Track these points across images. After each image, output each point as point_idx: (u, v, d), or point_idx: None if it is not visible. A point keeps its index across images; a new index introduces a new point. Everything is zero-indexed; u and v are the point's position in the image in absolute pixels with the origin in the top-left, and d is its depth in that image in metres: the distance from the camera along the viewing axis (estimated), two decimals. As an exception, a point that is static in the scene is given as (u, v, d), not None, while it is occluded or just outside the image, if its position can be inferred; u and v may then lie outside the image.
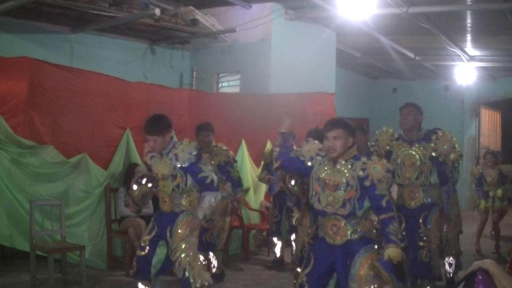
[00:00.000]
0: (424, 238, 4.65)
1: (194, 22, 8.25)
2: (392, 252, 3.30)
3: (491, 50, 10.55)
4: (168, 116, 4.35)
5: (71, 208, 5.95)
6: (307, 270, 3.58)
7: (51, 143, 5.79)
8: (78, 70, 6.34)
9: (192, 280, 4.12)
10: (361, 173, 3.42)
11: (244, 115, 7.46)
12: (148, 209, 6.27)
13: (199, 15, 8.26)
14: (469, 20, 8.55)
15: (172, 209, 4.26)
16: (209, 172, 4.22)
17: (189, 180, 4.23)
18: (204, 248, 5.66)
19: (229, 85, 9.65)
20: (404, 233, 4.60)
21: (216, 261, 5.85)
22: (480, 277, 2.63)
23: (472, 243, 8.13)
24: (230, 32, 8.73)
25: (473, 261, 3.01)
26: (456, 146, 4.74)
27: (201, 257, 4.80)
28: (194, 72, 9.65)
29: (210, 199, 4.19)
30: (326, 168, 3.53)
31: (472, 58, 10.80)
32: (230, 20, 8.86)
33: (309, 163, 3.66)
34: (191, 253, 4.19)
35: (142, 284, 4.30)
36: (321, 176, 3.54)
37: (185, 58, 9.98)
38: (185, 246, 4.17)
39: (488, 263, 2.66)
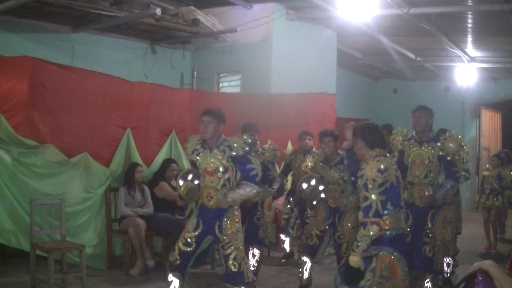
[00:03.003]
0: (430, 235, 4.85)
1: (195, 22, 8.25)
2: (351, 259, 3.61)
3: (492, 51, 10.55)
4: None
5: (73, 208, 5.95)
6: None
7: (51, 143, 5.79)
8: (79, 69, 6.34)
9: (246, 274, 4.23)
10: (360, 172, 3.73)
11: (244, 115, 7.47)
12: (148, 208, 6.28)
13: (200, 15, 8.26)
14: (469, 21, 8.56)
15: (218, 205, 4.29)
16: (257, 166, 4.30)
17: (238, 175, 4.32)
18: (255, 242, 5.89)
19: (229, 85, 9.66)
20: (408, 229, 4.71)
21: (257, 259, 6.00)
22: (480, 278, 2.63)
23: (472, 243, 8.17)
24: (231, 32, 8.73)
25: (472, 261, 3.03)
26: (463, 144, 4.98)
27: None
28: (195, 72, 9.65)
29: (250, 189, 4.23)
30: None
31: (472, 59, 10.79)
32: (231, 20, 8.86)
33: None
34: (242, 249, 4.32)
35: (174, 275, 4.39)
36: None
37: (186, 58, 9.99)
38: (238, 241, 4.29)
39: (488, 264, 2.66)
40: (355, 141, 3.86)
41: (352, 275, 3.56)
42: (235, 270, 4.22)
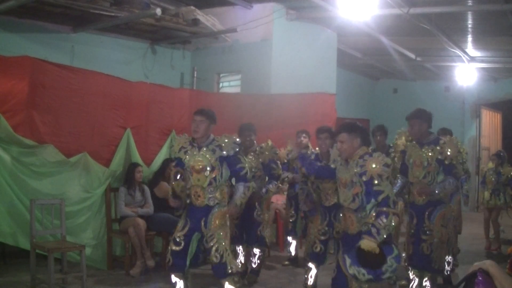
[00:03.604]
0: (427, 232, 4.89)
1: (195, 22, 8.25)
2: (364, 243, 3.58)
3: (492, 51, 10.56)
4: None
5: (72, 207, 5.94)
6: (337, 255, 4.03)
7: (51, 142, 5.79)
8: (79, 69, 6.34)
9: (228, 266, 4.37)
10: (358, 169, 3.75)
11: (244, 115, 7.47)
12: (148, 208, 6.28)
13: (200, 15, 8.26)
14: (470, 21, 8.56)
15: (206, 203, 4.43)
16: (245, 164, 4.51)
17: (224, 173, 4.47)
18: (255, 241, 5.80)
19: (229, 85, 9.66)
20: (413, 230, 4.94)
21: (259, 258, 5.91)
22: (480, 278, 2.64)
23: (472, 243, 8.17)
24: (231, 32, 8.73)
25: (472, 261, 3.04)
26: (461, 151, 5.00)
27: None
28: (195, 72, 9.65)
29: (244, 190, 4.52)
30: (341, 169, 3.99)
31: (472, 59, 10.80)
32: (231, 20, 8.86)
33: (333, 165, 4.22)
34: (226, 242, 4.43)
35: (176, 276, 4.49)
36: (338, 175, 4.03)
37: (186, 58, 9.99)
38: (222, 233, 4.42)
39: (488, 264, 2.66)
40: (350, 137, 3.85)
41: (364, 259, 3.60)
42: (217, 261, 4.36)
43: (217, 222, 4.42)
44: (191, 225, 4.44)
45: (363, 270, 3.63)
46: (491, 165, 8.49)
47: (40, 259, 5.48)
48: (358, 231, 3.79)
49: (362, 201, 3.75)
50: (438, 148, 4.91)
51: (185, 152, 4.52)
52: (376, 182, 3.66)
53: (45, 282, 5.23)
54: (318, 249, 5.11)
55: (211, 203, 4.44)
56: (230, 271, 4.38)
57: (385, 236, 3.59)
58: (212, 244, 4.38)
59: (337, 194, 5.01)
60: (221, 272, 4.40)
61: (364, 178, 3.71)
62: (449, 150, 4.85)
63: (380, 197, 3.67)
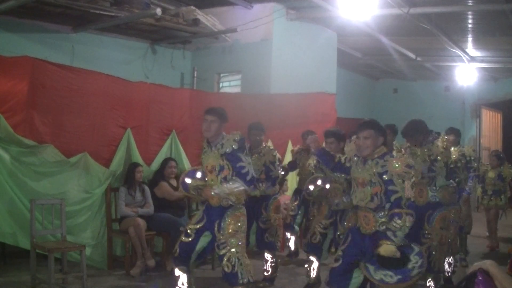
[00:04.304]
0: (425, 236, 4.95)
1: (195, 22, 8.25)
2: (383, 249, 3.61)
3: (492, 51, 10.55)
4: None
5: (72, 207, 5.94)
6: (343, 247, 3.99)
7: (51, 142, 5.79)
8: (79, 69, 6.34)
9: (240, 276, 4.25)
10: (380, 169, 3.76)
11: (245, 115, 7.47)
12: (148, 208, 6.28)
13: (200, 15, 8.26)
14: (470, 21, 8.56)
15: (220, 203, 4.33)
16: (247, 164, 4.31)
17: (235, 173, 4.33)
18: (265, 247, 5.76)
19: (230, 85, 9.66)
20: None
21: (271, 264, 5.80)
22: (480, 278, 2.64)
23: (472, 243, 8.16)
24: (231, 32, 8.73)
25: (472, 261, 3.05)
26: (452, 149, 5.19)
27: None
28: (195, 72, 9.65)
29: (237, 186, 4.24)
30: (358, 168, 3.94)
31: (473, 59, 10.80)
32: (231, 20, 8.86)
33: (348, 164, 4.10)
34: (240, 249, 4.33)
35: (179, 269, 4.42)
36: (354, 175, 3.99)
37: (186, 58, 9.99)
38: (235, 241, 4.31)
39: (488, 264, 2.67)
40: (376, 135, 3.87)
41: (386, 263, 3.61)
42: (229, 271, 4.26)
43: (230, 229, 4.29)
44: (206, 224, 4.38)
45: (390, 272, 3.61)
46: (492, 174, 8.33)
47: (40, 259, 5.49)
48: (375, 231, 3.79)
49: (381, 200, 3.77)
50: (430, 145, 5.03)
51: (204, 153, 4.48)
52: (394, 182, 3.70)
53: (45, 282, 5.23)
54: (317, 240, 5.22)
55: (225, 204, 4.32)
56: (241, 282, 4.24)
57: (402, 237, 3.62)
58: (224, 252, 4.28)
59: (349, 195, 5.05)
60: (232, 281, 4.29)
61: (385, 177, 3.72)
62: (436, 146, 4.99)
63: (393, 197, 3.70)
